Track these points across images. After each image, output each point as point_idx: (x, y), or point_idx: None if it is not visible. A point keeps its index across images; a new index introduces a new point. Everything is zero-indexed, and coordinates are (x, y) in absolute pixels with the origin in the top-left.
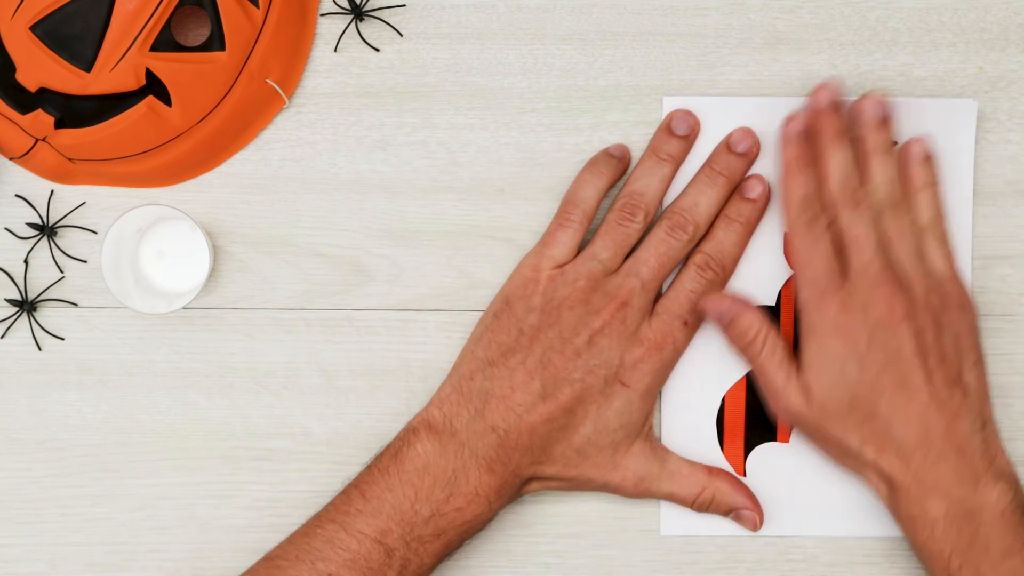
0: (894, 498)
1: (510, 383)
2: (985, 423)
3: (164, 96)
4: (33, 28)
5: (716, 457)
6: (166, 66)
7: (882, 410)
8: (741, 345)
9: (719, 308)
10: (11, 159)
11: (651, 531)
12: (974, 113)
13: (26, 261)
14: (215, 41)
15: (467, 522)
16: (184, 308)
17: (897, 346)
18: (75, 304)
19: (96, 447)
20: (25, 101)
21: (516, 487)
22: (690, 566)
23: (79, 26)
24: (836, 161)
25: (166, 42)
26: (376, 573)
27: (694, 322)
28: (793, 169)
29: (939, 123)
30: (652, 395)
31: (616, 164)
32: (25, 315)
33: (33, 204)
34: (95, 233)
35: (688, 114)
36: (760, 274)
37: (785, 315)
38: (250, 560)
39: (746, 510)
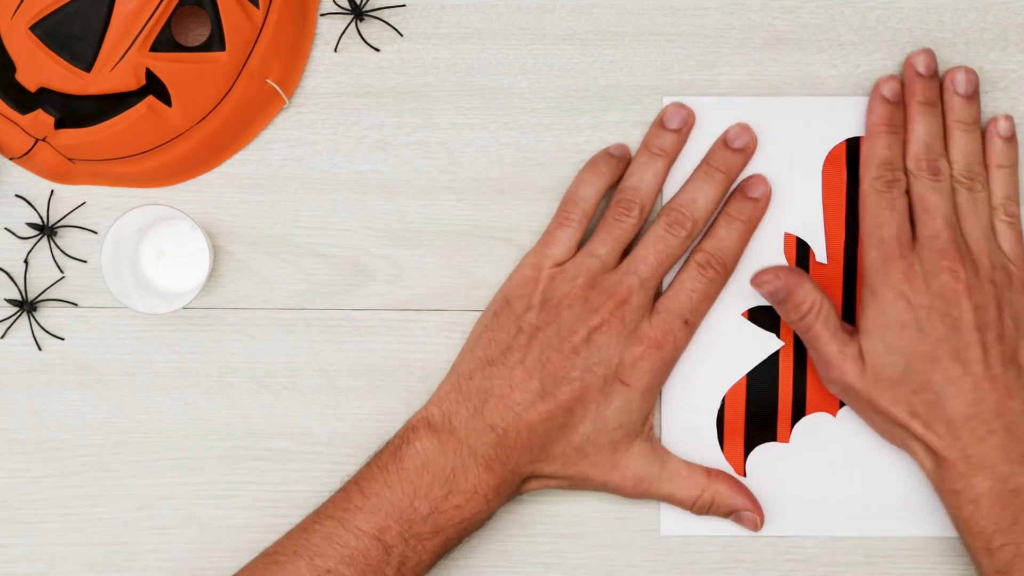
0: (939, 472)
1: (509, 382)
2: None
3: (164, 96)
4: (33, 28)
5: (716, 457)
6: (166, 66)
7: (935, 381)
8: (795, 317)
9: (774, 286)
10: (11, 159)
11: (651, 531)
12: None
13: (26, 261)
14: (215, 41)
15: (465, 520)
16: (184, 308)
17: (957, 317)
18: (75, 304)
19: (96, 447)
20: (25, 101)
21: (515, 486)
22: (690, 566)
23: (79, 26)
24: (922, 127)
25: (166, 42)
26: (374, 570)
27: (695, 320)
28: (878, 130)
29: None
30: (652, 394)
31: (616, 163)
32: (25, 315)
33: (33, 204)
34: (95, 233)
35: (681, 107)
36: None
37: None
38: (249, 561)
39: (746, 511)
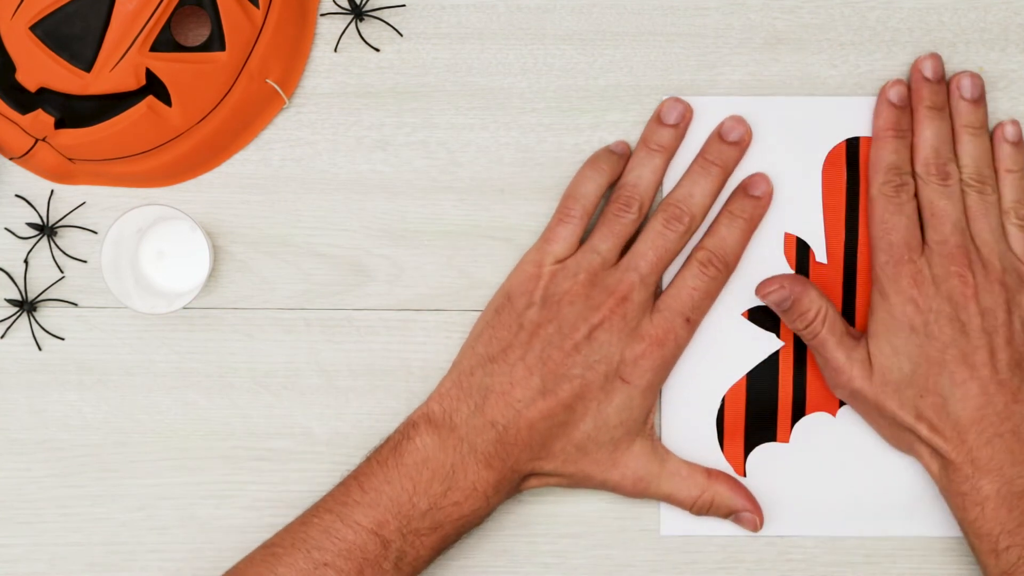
0: (946, 475)
1: (510, 379)
2: None
3: (164, 96)
4: (33, 28)
5: (716, 457)
6: (166, 66)
7: (942, 384)
8: (801, 325)
9: (780, 295)
10: (11, 159)
11: (651, 531)
12: None
13: (26, 261)
14: (215, 41)
15: (464, 516)
16: (184, 308)
17: (965, 322)
18: (75, 304)
19: (96, 447)
20: (25, 101)
21: (515, 483)
22: (690, 566)
23: (79, 26)
24: (930, 132)
25: (166, 42)
26: (372, 564)
27: (696, 319)
28: (886, 135)
29: None
30: (653, 392)
31: (617, 160)
32: (25, 315)
33: (33, 204)
34: (95, 233)
35: (678, 102)
36: (761, 274)
37: None
38: None
39: (746, 512)
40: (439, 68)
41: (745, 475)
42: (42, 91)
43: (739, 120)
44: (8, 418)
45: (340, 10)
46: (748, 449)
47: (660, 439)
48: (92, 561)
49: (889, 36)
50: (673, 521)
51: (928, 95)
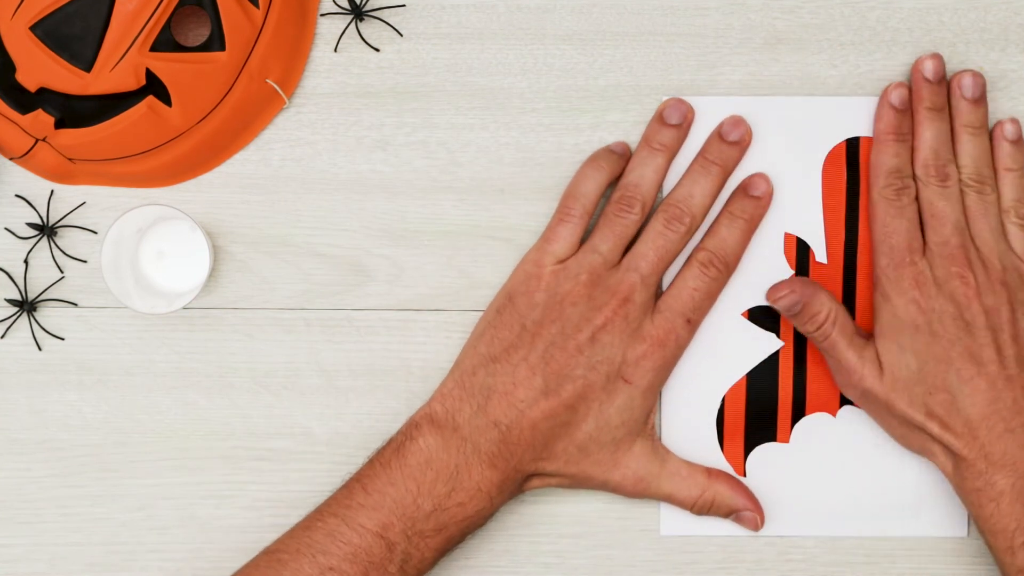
0: (959, 472)
1: (512, 379)
2: None
3: (164, 96)
4: (33, 28)
5: (716, 457)
6: (166, 66)
7: (950, 382)
8: (812, 327)
9: (790, 300)
10: (11, 159)
11: (651, 531)
12: None
13: (26, 261)
14: (215, 41)
15: (469, 517)
16: (184, 308)
17: (969, 320)
18: (75, 304)
19: (96, 447)
20: (25, 101)
21: (518, 483)
22: (690, 566)
23: (79, 26)
24: (930, 134)
25: (166, 42)
26: (377, 567)
27: (697, 319)
28: (886, 138)
29: None
30: (654, 392)
31: (617, 159)
32: (25, 315)
33: (33, 204)
34: (95, 233)
35: (680, 102)
36: (761, 274)
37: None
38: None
39: (746, 511)
40: (439, 68)
41: (745, 475)
42: (42, 91)
43: (739, 120)
44: (8, 418)
45: (340, 10)
46: (748, 449)
47: (660, 439)
48: (92, 561)
49: (889, 36)
50: (673, 521)
51: (928, 96)
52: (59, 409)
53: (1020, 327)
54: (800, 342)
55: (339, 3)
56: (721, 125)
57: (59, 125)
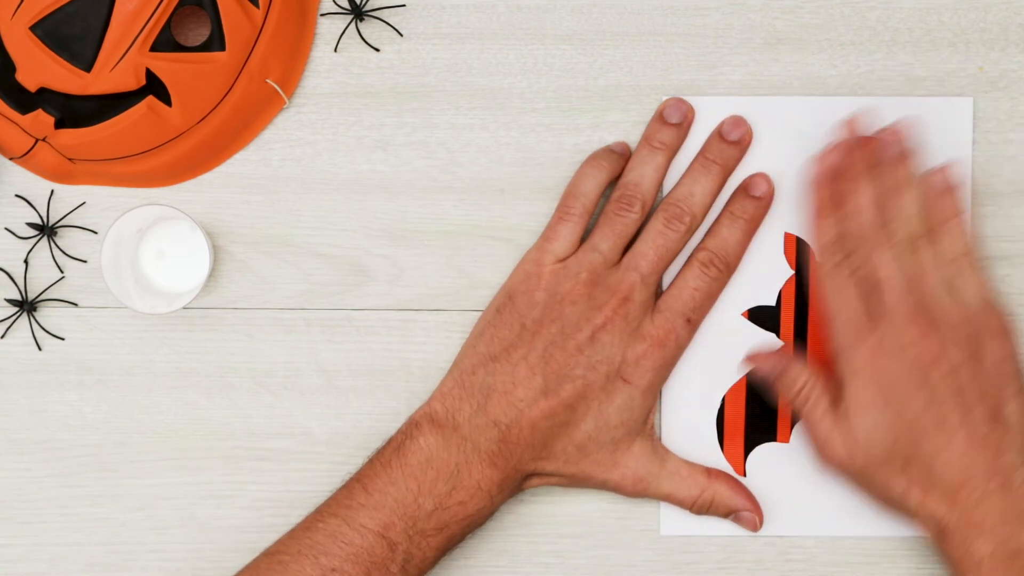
0: (942, 539)
1: (512, 378)
2: None
3: (164, 96)
4: (33, 28)
5: (716, 457)
6: (166, 66)
7: (923, 452)
8: (789, 396)
9: (767, 366)
10: (11, 159)
11: (651, 531)
12: (970, 111)
13: (26, 261)
14: (215, 41)
15: (469, 516)
16: (184, 308)
17: (933, 387)
18: (75, 304)
19: (96, 447)
20: (25, 101)
21: (517, 482)
22: (690, 566)
23: (79, 26)
24: (860, 200)
25: (166, 42)
26: (379, 567)
27: (697, 319)
28: (820, 212)
29: (935, 122)
30: (653, 392)
31: (616, 158)
32: (25, 315)
33: (33, 204)
34: (95, 233)
35: (681, 102)
36: (761, 274)
37: (785, 315)
38: (250, 560)
39: (746, 511)
40: (439, 68)
41: (745, 475)
42: (42, 91)
43: (740, 120)
44: (8, 418)
45: (340, 10)
46: (748, 449)
47: (660, 439)
48: (92, 561)
49: (889, 36)
50: (673, 521)
51: (850, 164)
52: (59, 409)
53: (985, 382)
54: (800, 342)
55: (339, 3)
56: (721, 125)
57: (59, 125)
